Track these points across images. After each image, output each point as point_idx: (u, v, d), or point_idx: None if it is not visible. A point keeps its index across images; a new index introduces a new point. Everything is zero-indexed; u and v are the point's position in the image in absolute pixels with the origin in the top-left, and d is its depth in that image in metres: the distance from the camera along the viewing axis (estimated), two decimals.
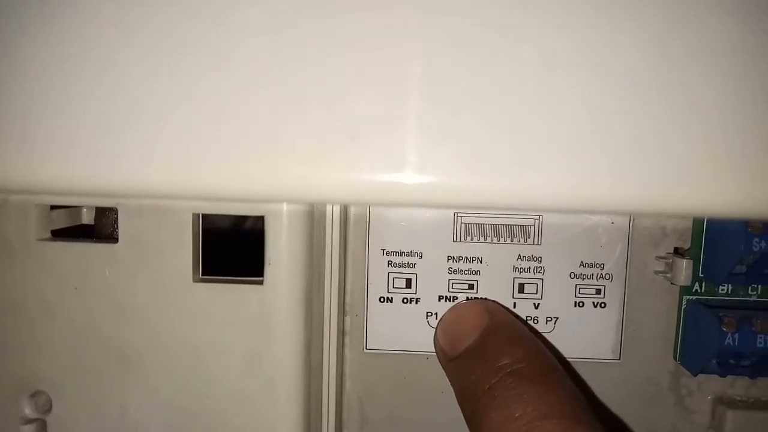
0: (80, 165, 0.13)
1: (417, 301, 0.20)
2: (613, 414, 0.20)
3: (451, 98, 0.13)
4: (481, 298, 0.20)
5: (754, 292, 0.19)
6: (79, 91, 0.13)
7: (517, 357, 0.16)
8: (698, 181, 0.12)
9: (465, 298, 0.20)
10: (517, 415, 0.14)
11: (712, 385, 0.20)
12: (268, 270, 0.16)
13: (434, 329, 0.20)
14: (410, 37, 0.13)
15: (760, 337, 0.17)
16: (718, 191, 0.12)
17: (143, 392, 0.17)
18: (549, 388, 0.15)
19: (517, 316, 0.20)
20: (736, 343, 0.17)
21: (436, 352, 0.19)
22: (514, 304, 0.20)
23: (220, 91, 0.13)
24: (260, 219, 0.16)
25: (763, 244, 0.17)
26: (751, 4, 0.12)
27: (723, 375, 0.18)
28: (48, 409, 0.17)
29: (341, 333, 0.20)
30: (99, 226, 0.19)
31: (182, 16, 0.13)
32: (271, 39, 0.13)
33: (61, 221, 0.18)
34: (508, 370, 0.16)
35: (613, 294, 0.20)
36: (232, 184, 0.13)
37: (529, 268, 0.20)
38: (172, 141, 0.13)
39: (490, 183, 0.13)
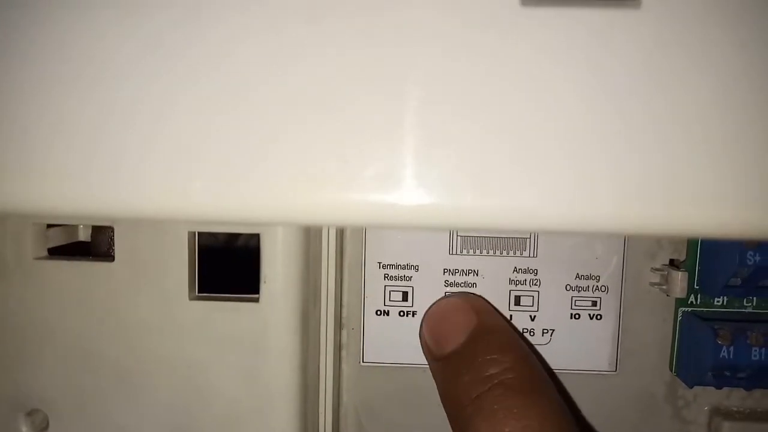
0: (74, 190, 0.13)
1: (413, 314, 0.20)
2: None
3: (446, 118, 0.13)
4: (468, 293, 0.20)
5: (749, 304, 0.19)
6: (73, 115, 0.13)
7: (505, 366, 0.16)
8: (694, 203, 0.12)
9: None
10: (507, 431, 0.14)
11: (708, 396, 0.20)
12: (263, 288, 0.16)
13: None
14: (406, 59, 0.13)
15: (755, 350, 0.17)
16: (714, 213, 0.12)
17: (140, 409, 0.17)
18: (537, 402, 0.15)
19: (509, 323, 0.20)
20: (731, 356, 0.17)
21: (421, 346, 0.19)
22: (511, 316, 0.20)
23: (214, 115, 0.13)
24: (256, 236, 0.17)
25: (757, 257, 0.17)
26: (754, 25, 0.12)
27: (719, 387, 0.18)
28: (45, 427, 0.17)
29: (338, 346, 0.20)
30: (96, 243, 0.19)
31: (176, 40, 0.13)
32: (262, 62, 0.13)
33: (58, 239, 0.18)
34: (497, 381, 0.15)
35: (608, 306, 0.20)
36: (225, 208, 0.13)
37: (525, 280, 0.20)
38: (165, 165, 0.13)
39: (486, 205, 0.13)
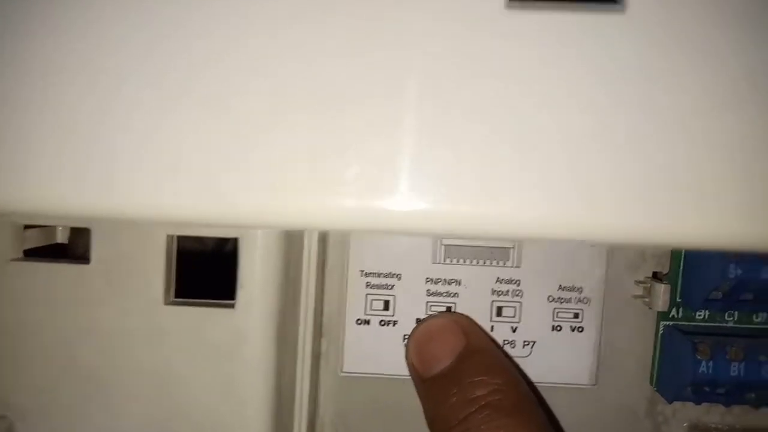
0: (51, 190, 0.13)
1: (394, 323, 0.20)
2: None
3: (434, 127, 0.13)
4: (455, 313, 0.19)
5: (731, 318, 0.19)
6: (50, 115, 0.13)
7: (493, 387, 0.16)
8: (674, 213, 0.12)
9: None
10: None
11: (687, 412, 0.20)
12: (240, 293, 0.16)
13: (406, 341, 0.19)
14: (391, 62, 0.13)
15: (734, 365, 0.17)
16: (694, 223, 0.12)
17: (113, 416, 0.17)
18: (523, 424, 0.15)
19: (493, 340, 0.19)
20: (711, 371, 0.17)
21: (407, 366, 0.19)
22: (492, 327, 0.20)
23: (196, 116, 0.13)
24: (235, 240, 0.16)
25: (738, 270, 0.17)
26: (738, 28, 0.12)
27: (698, 402, 0.18)
28: None
29: (317, 356, 0.20)
30: (74, 246, 0.19)
31: (163, 47, 0.13)
32: (247, 64, 0.13)
33: (35, 240, 0.18)
34: (484, 402, 0.16)
35: (590, 318, 0.19)
36: (204, 210, 0.13)
37: (508, 291, 0.20)
38: (145, 165, 0.13)
39: (469, 211, 0.13)
